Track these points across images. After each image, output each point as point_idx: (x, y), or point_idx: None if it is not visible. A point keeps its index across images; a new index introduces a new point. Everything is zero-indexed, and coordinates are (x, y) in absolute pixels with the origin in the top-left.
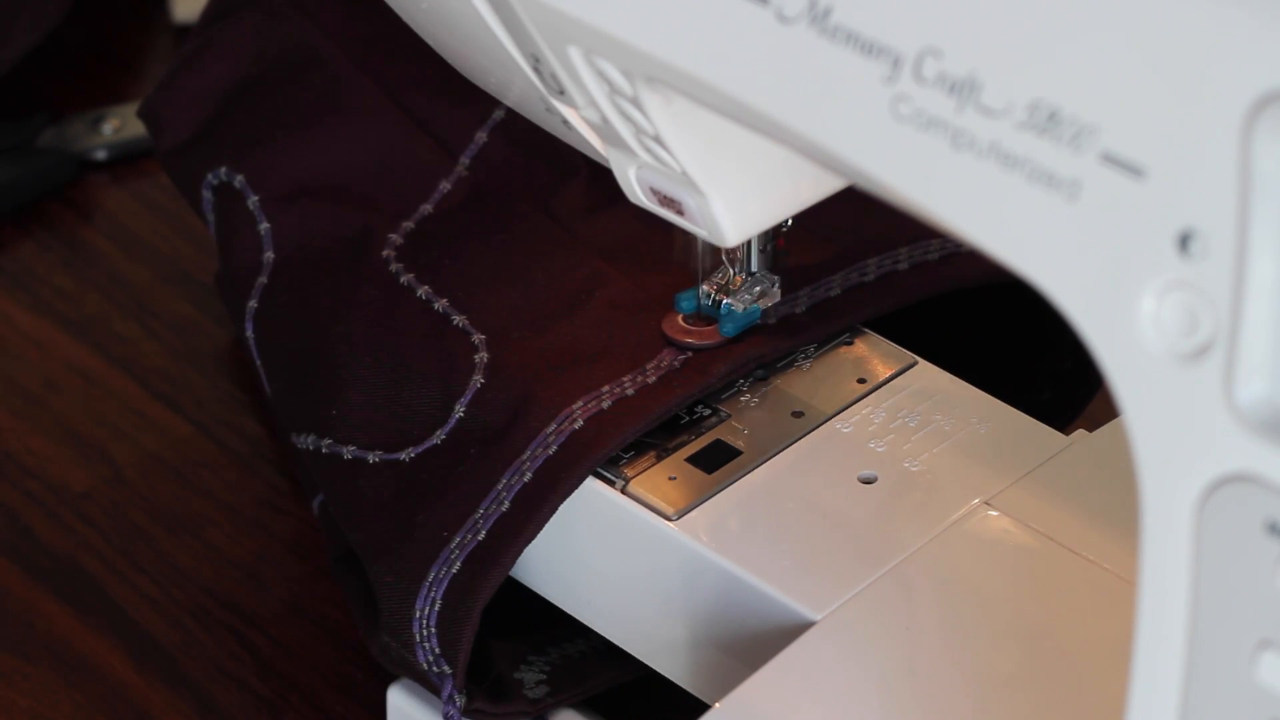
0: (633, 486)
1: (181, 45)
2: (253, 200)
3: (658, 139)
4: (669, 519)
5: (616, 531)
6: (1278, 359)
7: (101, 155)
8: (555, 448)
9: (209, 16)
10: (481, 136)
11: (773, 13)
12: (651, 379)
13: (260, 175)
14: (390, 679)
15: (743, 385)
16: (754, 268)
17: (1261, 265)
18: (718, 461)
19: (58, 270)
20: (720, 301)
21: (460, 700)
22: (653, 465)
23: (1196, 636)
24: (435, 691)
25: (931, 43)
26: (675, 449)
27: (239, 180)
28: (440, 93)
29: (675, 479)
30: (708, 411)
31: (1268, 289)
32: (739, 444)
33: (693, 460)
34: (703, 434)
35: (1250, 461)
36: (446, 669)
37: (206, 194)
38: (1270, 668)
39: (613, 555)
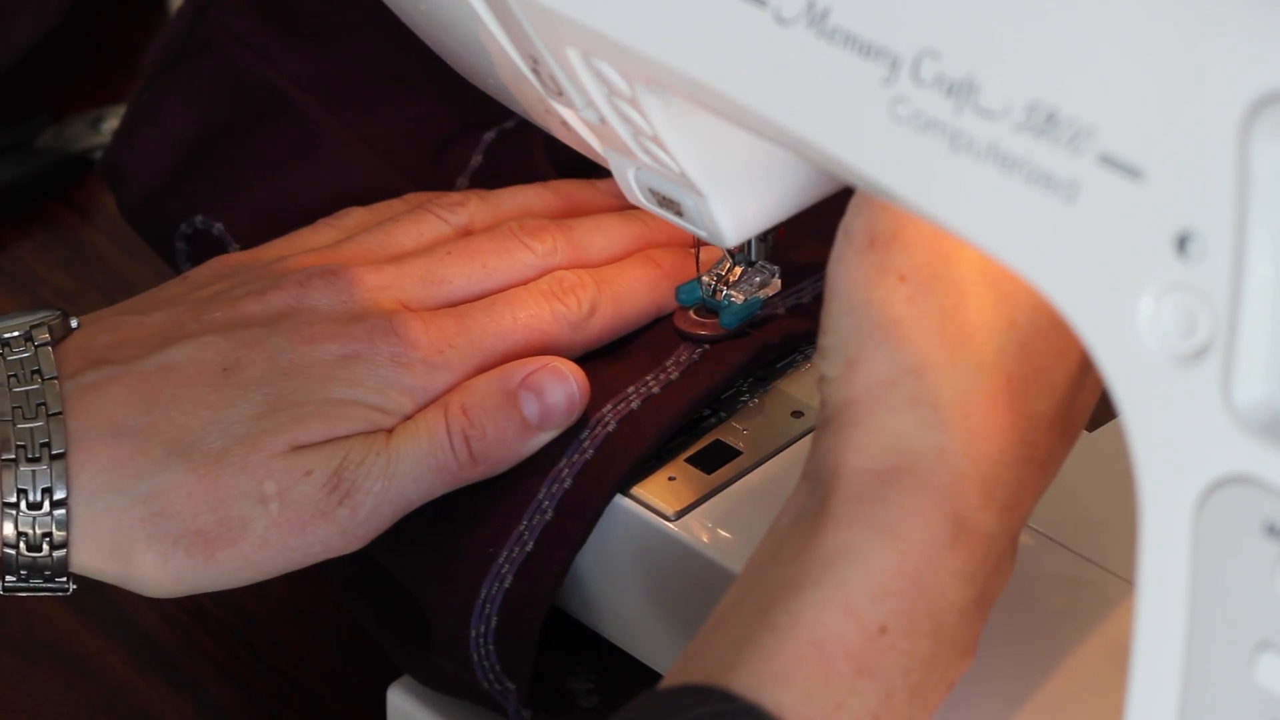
0: (633, 486)
1: (136, 93)
2: (235, 248)
3: (656, 140)
4: (669, 519)
5: (616, 531)
6: (1276, 360)
7: (101, 155)
8: (591, 452)
9: (160, 64)
10: (463, 183)
11: (771, 14)
12: (674, 374)
13: (240, 222)
14: (390, 679)
15: (743, 386)
16: (754, 258)
17: (1259, 266)
18: (718, 461)
19: (57, 270)
20: (721, 292)
21: (527, 715)
22: (653, 465)
23: (1195, 637)
24: (500, 711)
25: (929, 44)
26: (675, 449)
27: (217, 229)
28: (412, 135)
29: (675, 479)
30: (708, 412)
31: (1266, 290)
32: (739, 444)
33: (693, 460)
34: (703, 434)
35: (1249, 463)
36: (510, 685)
37: (180, 244)
38: (1269, 669)
39: (613, 555)
